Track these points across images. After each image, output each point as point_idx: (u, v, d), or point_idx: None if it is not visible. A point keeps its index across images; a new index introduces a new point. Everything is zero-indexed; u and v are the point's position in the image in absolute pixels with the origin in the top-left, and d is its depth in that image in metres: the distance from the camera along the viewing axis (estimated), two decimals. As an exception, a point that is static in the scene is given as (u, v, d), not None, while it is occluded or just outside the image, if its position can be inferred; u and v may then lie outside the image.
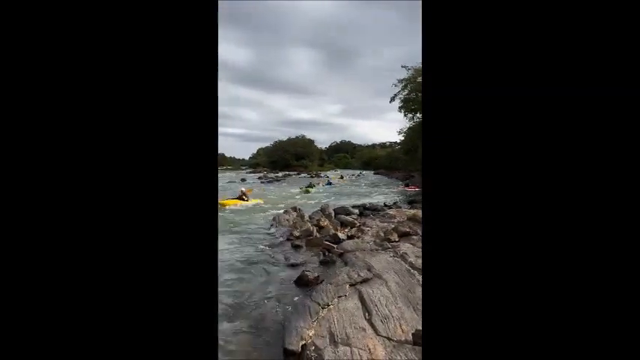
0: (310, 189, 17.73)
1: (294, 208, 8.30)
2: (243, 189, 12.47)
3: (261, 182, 24.69)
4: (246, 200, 11.48)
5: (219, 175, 37.23)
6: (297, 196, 14.53)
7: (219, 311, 2.89)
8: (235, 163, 71.56)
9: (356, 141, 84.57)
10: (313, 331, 2.24)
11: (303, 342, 2.14)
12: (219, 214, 8.70)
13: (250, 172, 42.33)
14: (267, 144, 60.82)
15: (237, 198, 11.55)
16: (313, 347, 2.07)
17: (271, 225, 7.20)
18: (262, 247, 5.46)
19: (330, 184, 23.37)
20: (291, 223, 7.07)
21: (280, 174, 37.23)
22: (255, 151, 68.09)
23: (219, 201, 10.12)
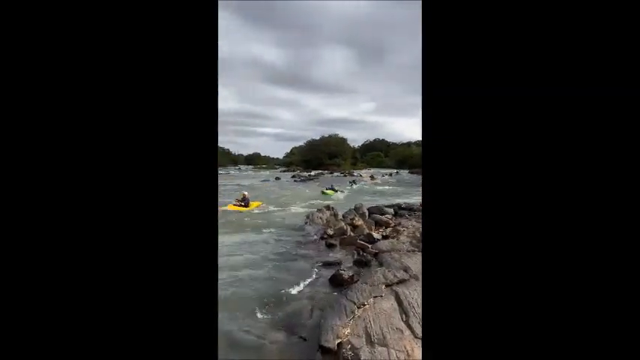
0: (329, 192, 14.93)
1: (328, 207, 8.32)
2: (245, 192, 10.26)
3: (295, 181, 25.06)
4: (244, 206, 9.48)
5: (255, 173, 38.05)
6: (310, 201, 12.15)
7: (255, 306, 2.98)
8: (270, 162, 73.31)
9: (390, 139, 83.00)
10: (349, 330, 2.23)
11: (339, 340, 2.14)
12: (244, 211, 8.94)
13: (284, 171, 43.10)
14: (301, 143, 61.65)
15: (234, 204, 9.53)
16: (349, 346, 2.06)
17: (305, 222, 7.27)
18: (296, 244, 5.54)
19: (354, 183, 20.39)
20: (325, 221, 7.10)
21: (313, 173, 37.48)
22: (289, 150, 69.14)
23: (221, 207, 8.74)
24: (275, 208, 10.27)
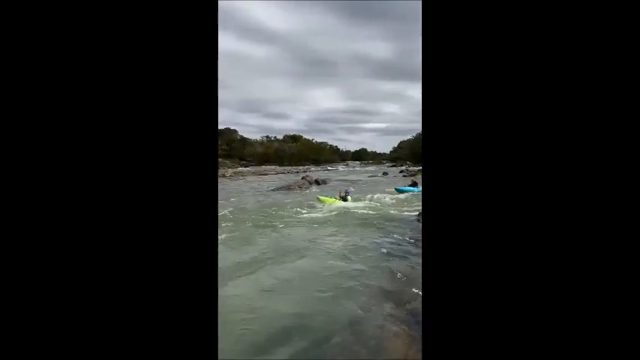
0: (331, 200, 9.47)
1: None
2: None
3: (404, 176, 24.30)
4: None
5: (362, 169, 38.53)
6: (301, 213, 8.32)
7: (379, 294, 3.07)
8: (377, 158, 73.15)
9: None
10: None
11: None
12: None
13: (391, 166, 42.30)
14: (409, 136, 59.08)
15: None
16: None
17: (417, 219, 7.04)
18: (412, 241, 5.43)
19: (415, 185, 13.30)
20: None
21: (423, 167, 35.43)
22: (396, 145, 67.40)
23: None
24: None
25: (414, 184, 13.28)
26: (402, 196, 11.75)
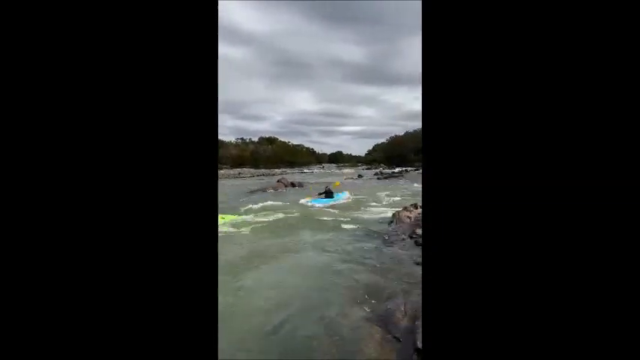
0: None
1: (415, 205, 7.96)
2: None
3: (378, 178, 24.72)
4: None
5: (339, 171, 38.85)
6: None
7: (348, 301, 3.04)
8: (352, 160, 74.11)
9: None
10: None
11: (438, 346, 2.03)
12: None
13: (366, 169, 42.96)
14: (384, 139, 60.36)
15: None
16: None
17: (390, 221, 7.13)
18: (383, 242, 5.46)
19: (329, 195, 10.44)
20: (412, 220, 6.82)
21: (397, 170, 36.37)
22: (370, 147, 68.63)
23: None
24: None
25: (329, 194, 10.65)
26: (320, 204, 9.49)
